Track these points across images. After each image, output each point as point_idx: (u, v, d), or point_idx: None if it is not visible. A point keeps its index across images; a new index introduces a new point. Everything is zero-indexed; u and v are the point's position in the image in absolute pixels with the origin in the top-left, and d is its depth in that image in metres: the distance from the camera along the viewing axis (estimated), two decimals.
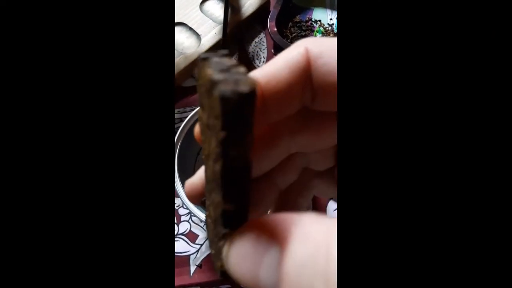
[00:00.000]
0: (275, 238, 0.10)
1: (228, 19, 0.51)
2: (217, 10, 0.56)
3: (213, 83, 0.11)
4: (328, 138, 0.15)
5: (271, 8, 0.56)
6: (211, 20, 0.55)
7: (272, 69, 0.13)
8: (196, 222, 0.46)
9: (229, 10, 0.52)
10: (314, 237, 0.10)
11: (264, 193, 0.16)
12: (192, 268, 0.44)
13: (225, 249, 0.12)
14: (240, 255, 0.11)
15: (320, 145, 0.15)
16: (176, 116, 0.52)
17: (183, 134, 0.39)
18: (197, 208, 0.37)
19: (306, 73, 0.13)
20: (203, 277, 0.44)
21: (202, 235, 0.46)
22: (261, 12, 0.57)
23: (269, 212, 0.16)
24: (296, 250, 0.09)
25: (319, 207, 0.47)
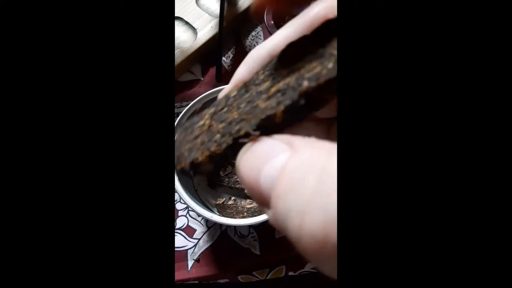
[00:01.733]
0: (292, 146, 0.11)
1: (225, 12, 0.51)
2: (213, 4, 0.56)
3: None
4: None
5: None
6: (207, 14, 0.54)
7: None
8: (193, 216, 0.46)
9: (226, 3, 0.51)
10: (312, 150, 0.10)
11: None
12: (190, 263, 0.44)
13: (243, 149, 0.13)
14: (255, 155, 0.12)
15: None
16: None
17: (179, 128, 0.39)
18: (195, 202, 0.36)
19: None
20: (201, 272, 0.44)
21: (199, 229, 0.46)
22: None
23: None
24: (296, 158, 0.10)
25: None
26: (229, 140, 0.14)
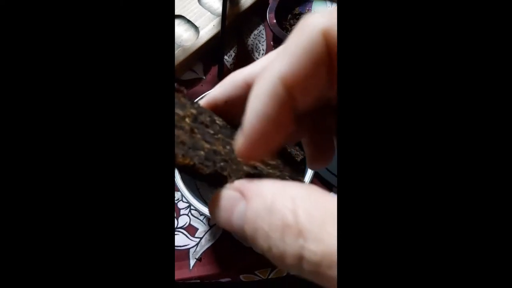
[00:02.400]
0: (244, 195, 0.13)
1: (227, 11, 0.51)
2: (215, 2, 0.55)
3: None
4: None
5: (270, 0, 0.56)
6: (209, 13, 0.54)
7: (295, 63, 0.13)
8: (195, 215, 0.46)
9: (228, 2, 0.51)
10: (266, 194, 0.13)
11: None
12: (192, 262, 0.44)
13: (212, 199, 0.15)
14: (222, 205, 0.14)
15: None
16: None
17: None
18: (197, 201, 0.36)
19: (328, 59, 0.13)
20: (203, 271, 0.44)
21: (201, 228, 0.46)
22: (260, 4, 0.56)
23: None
24: (254, 203, 0.13)
25: None
26: (212, 169, 0.16)
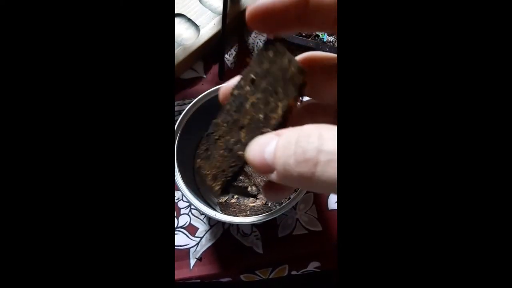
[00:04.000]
0: (278, 135, 0.17)
1: (228, 10, 0.51)
2: (216, 1, 0.55)
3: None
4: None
5: None
6: (210, 11, 0.54)
7: None
8: (196, 215, 0.46)
9: (229, 0, 0.51)
10: (295, 130, 0.16)
11: None
12: (192, 261, 0.44)
13: (249, 144, 0.18)
14: (257, 142, 0.17)
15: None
16: (175, 108, 0.51)
17: (181, 126, 0.38)
18: (197, 200, 0.36)
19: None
20: (203, 270, 0.44)
21: (202, 228, 0.45)
22: None
23: None
24: (285, 135, 0.16)
25: (320, 199, 0.46)
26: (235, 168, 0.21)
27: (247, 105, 0.20)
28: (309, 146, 0.15)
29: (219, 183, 0.21)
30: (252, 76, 0.20)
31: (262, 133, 0.19)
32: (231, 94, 0.21)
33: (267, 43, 0.20)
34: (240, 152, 0.20)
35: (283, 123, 0.19)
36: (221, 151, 0.21)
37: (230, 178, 0.21)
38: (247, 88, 0.20)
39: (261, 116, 0.19)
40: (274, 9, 0.18)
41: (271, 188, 0.21)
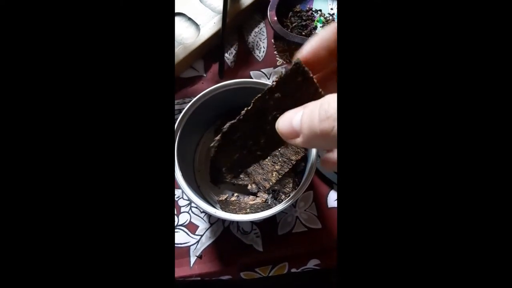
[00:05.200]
0: (304, 107, 0.21)
1: (228, 9, 0.51)
2: (216, 0, 0.55)
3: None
4: None
5: None
6: (210, 10, 0.54)
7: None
8: (196, 213, 0.46)
9: None
10: (313, 103, 0.20)
11: None
12: (192, 259, 0.44)
13: (279, 117, 0.22)
14: (286, 115, 0.22)
15: None
16: (175, 107, 0.51)
17: (182, 125, 0.39)
18: (198, 198, 0.36)
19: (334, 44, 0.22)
20: (204, 268, 0.44)
21: (202, 226, 0.46)
22: (261, 1, 0.56)
23: None
24: (310, 106, 0.20)
25: (320, 197, 0.46)
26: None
27: (270, 117, 0.24)
28: (330, 107, 0.18)
29: (232, 174, 0.27)
30: (278, 94, 0.23)
31: (278, 142, 0.24)
32: (253, 103, 0.24)
33: (296, 69, 0.22)
34: (258, 153, 0.26)
35: None
36: (240, 150, 0.26)
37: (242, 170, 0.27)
38: (271, 102, 0.24)
39: None
40: (313, 59, 0.22)
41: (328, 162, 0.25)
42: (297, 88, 0.23)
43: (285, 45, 0.55)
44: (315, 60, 0.22)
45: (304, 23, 0.55)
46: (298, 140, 0.20)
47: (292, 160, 0.40)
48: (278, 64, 0.54)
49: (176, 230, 0.46)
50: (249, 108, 0.24)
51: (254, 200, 0.43)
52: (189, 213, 0.46)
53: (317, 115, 0.19)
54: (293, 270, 0.45)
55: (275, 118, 0.23)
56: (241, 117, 0.25)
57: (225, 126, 0.25)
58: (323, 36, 0.22)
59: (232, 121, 0.25)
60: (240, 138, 0.25)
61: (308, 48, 0.22)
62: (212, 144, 0.26)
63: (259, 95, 0.24)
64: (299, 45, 0.53)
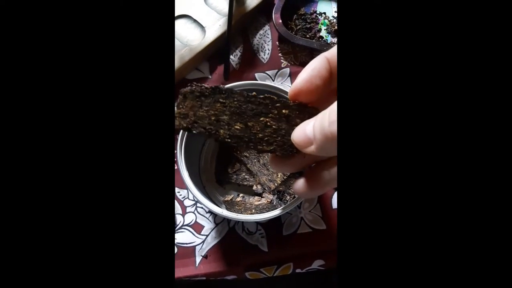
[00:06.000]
0: (311, 120, 0.23)
1: (233, 11, 0.51)
2: (221, 2, 0.56)
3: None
4: None
5: (276, 1, 0.56)
6: (215, 13, 0.55)
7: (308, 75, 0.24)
8: (201, 213, 0.47)
9: (234, 2, 0.52)
10: (321, 114, 0.22)
11: None
12: (198, 259, 0.45)
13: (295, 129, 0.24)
14: (300, 127, 0.23)
15: None
16: None
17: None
18: (204, 198, 0.37)
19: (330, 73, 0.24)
20: (209, 268, 0.44)
21: (207, 226, 0.46)
22: (266, 4, 0.57)
23: None
24: (320, 115, 0.22)
25: (324, 198, 0.47)
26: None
27: (261, 118, 0.25)
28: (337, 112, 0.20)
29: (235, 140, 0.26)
30: (286, 111, 0.25)
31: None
32: (266, 96, 0.25)
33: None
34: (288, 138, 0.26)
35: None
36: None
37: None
38: (274, 111, 0.25)
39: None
40: (308, 88, 0.24)
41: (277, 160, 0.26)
42: (302, 118, 0.24)
43: (290, 48, 0.55)
44: (309, 90, 0.24)
45: (308, 25, 0.56)
46: (312, 148, 0.22)
47: None
48: (282, 66, 0.54)
49: (181, 230, 0.46)
50: (260, 96, 0.24)
51: (259, 200, 0.43)
52: (194, 213, 0.47)
53: (327, 119, 0.20)
54: (298, 270, 0.46)
55: (262, 123, 0.24)
56: (246, 94, 0.25)
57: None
58: (314, 66, 0.24)
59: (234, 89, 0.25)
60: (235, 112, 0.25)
61: (301, 80, 0.24)
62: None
63: (275, 97, 0.24)
64: (303, 47, 0.54)
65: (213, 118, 0.24)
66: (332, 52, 0.24)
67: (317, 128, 0.21)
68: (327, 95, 0.25)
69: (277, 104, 0.24)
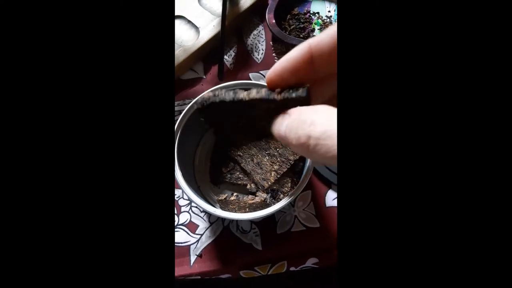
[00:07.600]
0: (289, 114, 0.22)
1: (227, 11, 0.52)
2: (215, 2, 0.56)
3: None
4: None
5: (269, 1, 0.56)
6: (209, 13, 0.55)
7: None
8: (196, 212, 0.47)
9: (228, 2, 0.52)
10: (296, 111, 0.21)
11: None
12: (193, 258, 0.45)
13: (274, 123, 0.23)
14: (277, 122, 0.22)
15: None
16: (175, 108, 0.52)
17: (181, 126, 0.39)
18: (198, 197, 0.37)
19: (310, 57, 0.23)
20: (203, 267, 0.45)
21: (202, 225, 0.46)
22: (259, 4, 0.57)
23: None
24: (293, 115, 0.21)
25: (318, 196, 0.47)
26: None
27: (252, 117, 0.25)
28: (303, 132, 0.20)
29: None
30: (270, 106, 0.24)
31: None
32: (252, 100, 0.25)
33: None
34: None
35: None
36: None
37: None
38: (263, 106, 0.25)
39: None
40: (286, 71, 0.23)
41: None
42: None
43: (283, 47, 0.56)
44: (280, 79, 0.24)
45: (302, 25, 0.56)
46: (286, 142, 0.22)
47: (290, 160, 0.41)
48: None
49: (176, 230, 0.46)
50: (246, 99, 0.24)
51: (253, 199, 0.43)
52: (189, 213, 0.47)
53: (293, 136, 0.21)
54: (292, 268, 0.46)
55: (254, 119, 0.25)
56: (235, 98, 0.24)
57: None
58: (289, 58, 0.23)
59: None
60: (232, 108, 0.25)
61: (275, 70, 0.23)
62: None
63: (260, 97, 0.24)
64: None
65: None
66: (314, 38, 0.23)
67: (289, 137, 0.21)
68: (326, 76, 0.24)
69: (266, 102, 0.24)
